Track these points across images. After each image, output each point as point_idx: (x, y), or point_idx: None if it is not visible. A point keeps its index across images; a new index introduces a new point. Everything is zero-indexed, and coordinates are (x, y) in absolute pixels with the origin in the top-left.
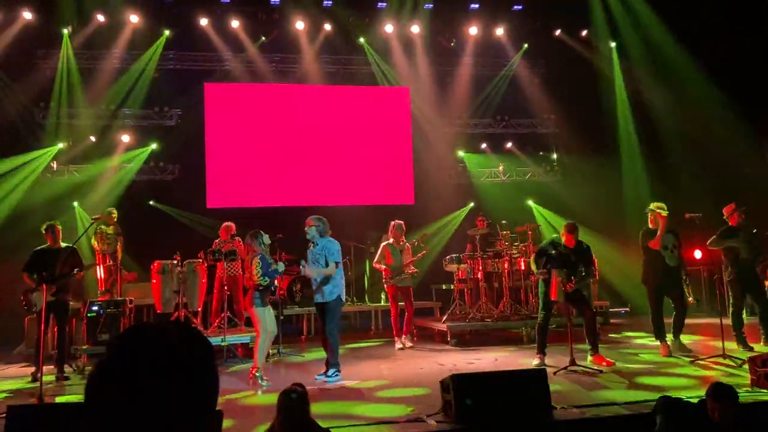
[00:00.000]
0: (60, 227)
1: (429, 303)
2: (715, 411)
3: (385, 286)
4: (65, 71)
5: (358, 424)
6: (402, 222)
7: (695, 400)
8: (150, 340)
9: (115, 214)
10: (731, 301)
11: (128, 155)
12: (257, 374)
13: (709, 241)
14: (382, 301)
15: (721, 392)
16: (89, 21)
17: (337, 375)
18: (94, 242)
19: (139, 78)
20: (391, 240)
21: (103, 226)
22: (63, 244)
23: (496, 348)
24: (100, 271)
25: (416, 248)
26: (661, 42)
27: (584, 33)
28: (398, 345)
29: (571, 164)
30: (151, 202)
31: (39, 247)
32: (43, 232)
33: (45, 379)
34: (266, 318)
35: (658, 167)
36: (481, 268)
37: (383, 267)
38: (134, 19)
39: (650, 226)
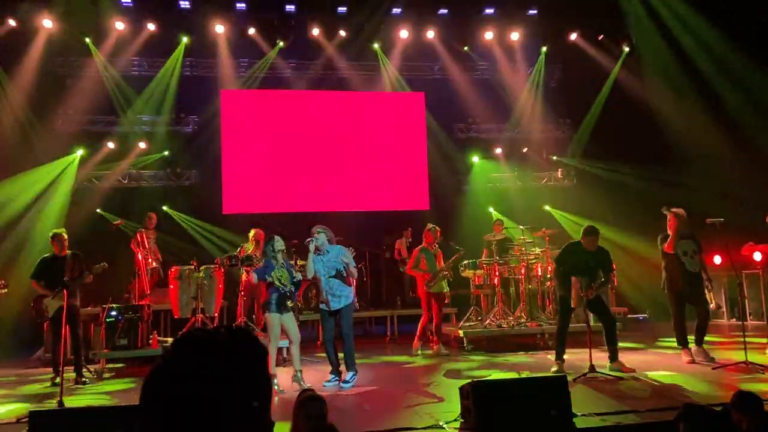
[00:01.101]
0: (66, 235)
1: (445, 309)
2: (743, 421)
3: (422, 290)
4: (112, 79)
5: (376, 431)
6: (436, 226)
7: (719, 408)
8: (198, 348)
9: (154, 217)
10: None
11: (141, 159)
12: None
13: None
14: (398, 307)
15: (746, 402)
16: (108, 29)
17: (354, 378)
18: (134, 245)
19: (158, 85)
20: (424, 244)
21: (144, 230)
22: (68, 252)
23: (514, 354)
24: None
25: (450, 251)
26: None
27: (600, 37)
28: (416, 351)
29: (587, 169)
30: (164, 208)
31: (45, 255)
32: (50, 240)
33: (64, 384)
34: (274, 325)
35: (674, 173)
36: (497, 273)
37: (419, 272)
38: (151, 27)
39: (669, 231)
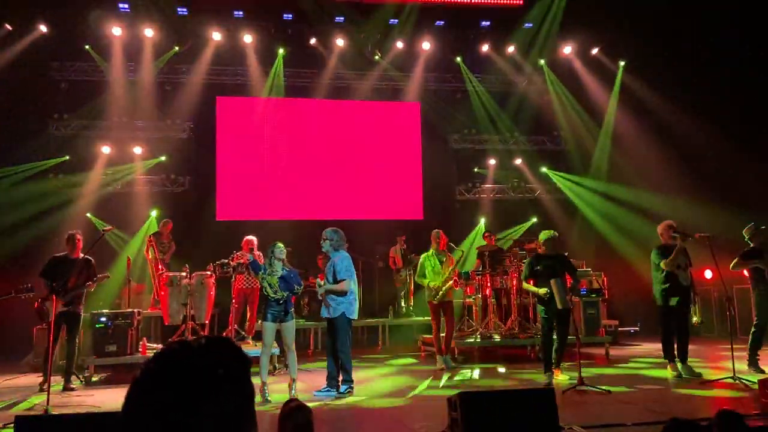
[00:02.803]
0: (81, 238)
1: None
2: None
3: (429, 302)
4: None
5: None
6: (441, 231)
7: (705, 423)
8: (177, 359)
9: (168, 224)
10: (755, 321)
11: (136, 165)
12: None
13: (732, 264)
14: (390, 316)
15: (727, 421)
16: (106, 35)
17: (347, 391)
18: (146, 252)
19: (153, 90)
20: (431, 251)
21: (153, 235)
22: (81, 255)
23: (505, 365)
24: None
25: (453, 252)
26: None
27: (595, 51)
28: (439, 365)
29: (579, 182)
30: (153, 213)
31: (57, 255)
32: (65, 240)
33: (52, 389)
34: (265, 333)
35: (665, 187)
36: (489, 284)
37: (425, 284)
38: (149, 33)
39: (662, 242)
